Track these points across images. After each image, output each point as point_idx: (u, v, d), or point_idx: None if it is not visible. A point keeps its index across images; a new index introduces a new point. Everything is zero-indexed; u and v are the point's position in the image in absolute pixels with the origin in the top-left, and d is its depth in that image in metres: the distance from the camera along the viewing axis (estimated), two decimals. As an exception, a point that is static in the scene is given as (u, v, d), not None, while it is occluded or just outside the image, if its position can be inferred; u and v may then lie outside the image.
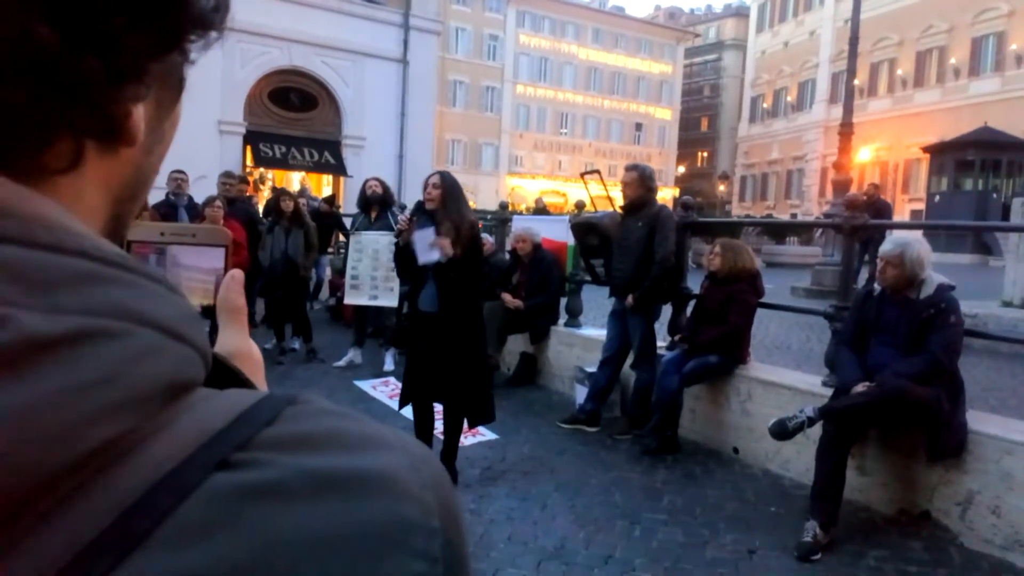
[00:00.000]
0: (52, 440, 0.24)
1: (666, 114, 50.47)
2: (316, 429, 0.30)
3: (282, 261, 6.69)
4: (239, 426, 0.29)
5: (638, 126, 49.47)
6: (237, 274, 0.47)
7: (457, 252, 3.60)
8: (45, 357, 0.25)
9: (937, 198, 22.29)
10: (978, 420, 3.40)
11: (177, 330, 0.30)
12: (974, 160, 21.95)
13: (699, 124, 54.38)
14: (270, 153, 13.74)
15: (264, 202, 8.99)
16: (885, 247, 3.35)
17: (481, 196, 39.26)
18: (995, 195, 20.49)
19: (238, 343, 0.46)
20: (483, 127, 43.63)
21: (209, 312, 0.47)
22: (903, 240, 3.36)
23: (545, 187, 42.62)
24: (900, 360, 3.27)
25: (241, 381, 0.39)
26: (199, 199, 6.68)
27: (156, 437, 0.27)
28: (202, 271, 0.48)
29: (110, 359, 0.27)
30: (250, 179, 13.13)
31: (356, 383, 6.03)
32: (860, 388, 3.28)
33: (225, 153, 12.80)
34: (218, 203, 6.01)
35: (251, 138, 13.62)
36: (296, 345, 7.03)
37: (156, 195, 7.03)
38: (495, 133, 44.36)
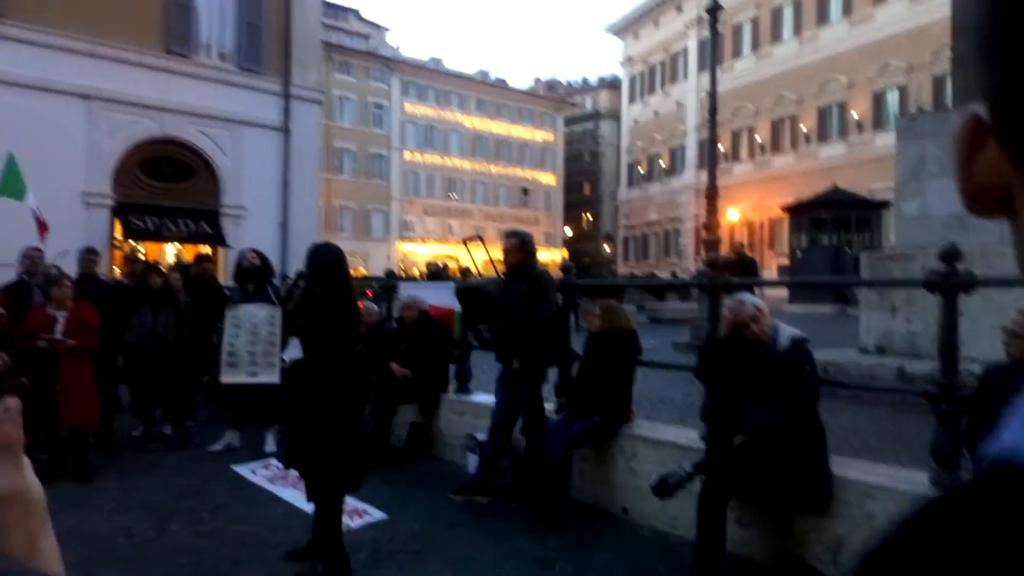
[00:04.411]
0: None
1: (551, 179, 52.38)
2: None
3: (150, 341, 6.28)
4: None
5: (525, 191, 50.99)
6: (12, 404, 0.43)
7: (296, 321, 3.88)
8: None
9: (799, 254, 24.05)
10: (841, 465, 3.60)
11: None
12: (827, 218, 23.96)
13: (582, 188, 56.70)
14: (142, 225, 13.06)
15: (123, 275, 8.49)
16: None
17: (372, 263, 38.84)
18: (847, 249, 22.35)
19: (9, 484, 0.42)
20: (372, 194, 43.57)
21: None
22: (735, 298, 3.64)
23: (437, 251, 42.80)
24: (764, 411, 3.44)
25: None
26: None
27: None
28: None
29: None
30: (119, 253, 12.44)
31: (234, 468, 5.67)
32: (735, 441, 3.43)
33: (92, 227, 12.04)
34: (66, 282, 5.58)
35: (121, 210, 12.91)
36: (167, 430, 6.56)
37: (6, 273, 6.50)
38: (384, 199, 44.39)
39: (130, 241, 13.35)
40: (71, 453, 5.32)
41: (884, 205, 24.10)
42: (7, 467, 0.42)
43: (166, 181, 13.57)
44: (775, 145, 35.92)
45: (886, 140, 29.80)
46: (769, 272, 29.29)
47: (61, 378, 5.25)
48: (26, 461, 0.44)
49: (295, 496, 4.64)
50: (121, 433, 6.53)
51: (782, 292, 21.33)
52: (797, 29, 34.71)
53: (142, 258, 12.16)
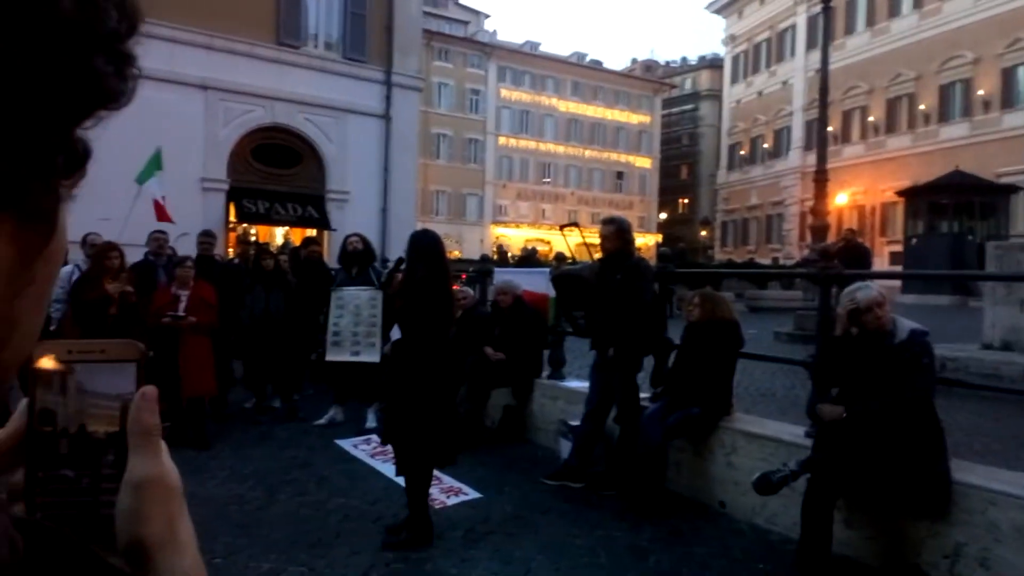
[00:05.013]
0: None
1: (646, 162, 51.35)
2: None
3: (262, 319, 6.63)
4: None
5: (619, 174, 50.25)
6: (149, 392, 0.44)
7: (397, 303, 4.05)
8: None
9: (914, 241, 22.59)
10: (962, 469, 3.38)
11: None
12: (948, 203, 22.35)
13: (679, 172, 55.33)
14: (253, 209, 13.75)
15: (235, 257, 9.03)
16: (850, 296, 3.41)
17: (466, 246, 39.44)
18: (970, 237, 20.81)
19: (148, 469, 0.43)
20: (467, 178, 44.13)
21: (116, 440, 0.44)
22: (851, 288, 3.45)
23: (529, 235, 42.98)
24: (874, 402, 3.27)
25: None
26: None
27: None
28: (109, 392, 0.46)
29: None
30: (233, 235, 13.16)
31: (337, 442, 5.92)
32: (831, 411, 3.29)
33: (208, 210, 12.79)
34: (189, 263, 5.97)
35: (234, 194, 13.64)
36: (277, 404, 6.92)
37: (136, 254, 7.00)
38: (479, 184, 44.86)
39: (243, 224, 14.08)
40: (191, 423, 5.71)
41: (1012, 190, 22.27)
42: (146, 453, 0.43)
43: (276, 167, 14.21)
44: (890, 126, 33.76)
45: (1016, 120, 27.47)
46: (880, 260, 27.70)
47: (182, 353, 5.63)
48: (164, 446, 0.45)
49: (394, 471, 4.80)
50: (234, 405, 6.94)
51: (893, 281, 20.13)
52: (917, 2, 32.36)
53: (254, 240, 12.83)
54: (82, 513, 0.42)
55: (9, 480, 0.43)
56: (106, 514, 0.42)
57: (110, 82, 0.36)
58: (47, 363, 0.44)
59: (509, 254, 25.70)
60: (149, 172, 8.95)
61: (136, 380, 0.45)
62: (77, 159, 0.36)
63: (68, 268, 6.15)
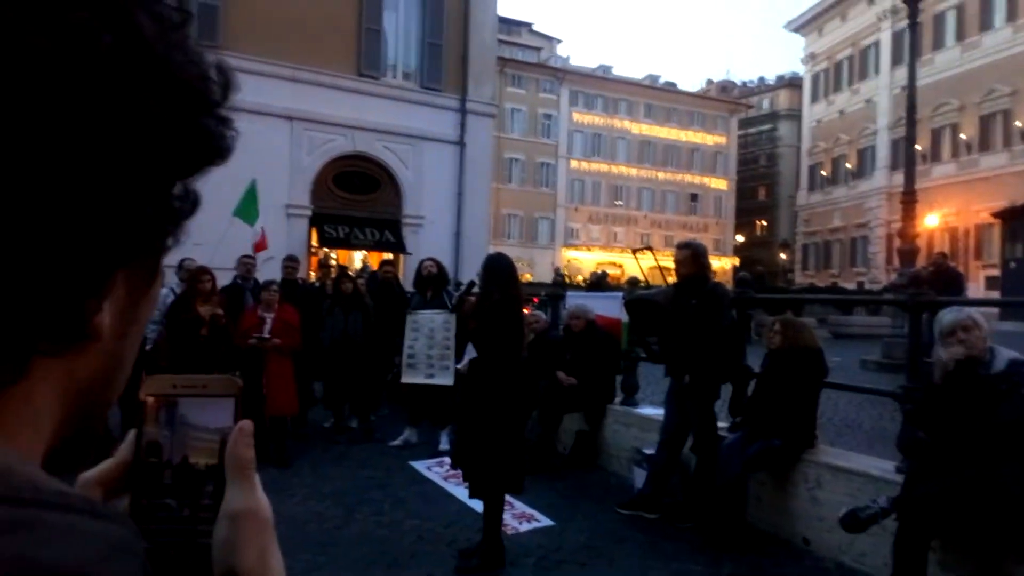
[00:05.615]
0: None
1: (722, 184, 50.43)
2: None
3: (341, 341, 6.82)
4: None
5: (693, 196, 49.51)
6: (246, 426, 0.47)
7: (471, 325, 4.16)
8: None
9: (1013, 265, 21.30)
10: (1072, 513, 3.13)
11: (82, 574, 0.30)
12: (1050, 225, 21.05)
13: (756, 193, 54.06)
14: (334, 234, 14.24)
15: (316, 280, 9.35)
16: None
17: (538, 269, 39.55)
18: (1076, 260, 19.49)
19: (243, 502, 0.45)
20: (539, 202, 44.40)
21: (215, 472, 0.46)
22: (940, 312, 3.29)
23: (601, 259, 42.76)
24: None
25: None
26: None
27: None
28: (209, 426, 0.48)
29: None
30: (315, 259, 13.63)
31: (411, 463, 6.00)
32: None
33: (292, 235, 13.31)
34: (274, 287, 6.21)
35: (316, 220, 14.16)
36: (354, 424, 7.08)
37: (225, 278, 7.33)
38: (550, 207, 45.05)
39: (324, 248, 14.58)
40: (273, 441, 5.90)
41: (1123, 209, 20.71)
42: (242, 486, 0.45)
43: (355, 193, 14.68)
44: (984, 143, 32.07)
45: None
46: (975, 285, 26.17)
47: (267, 373, 5.85)
48: (257, 479, 0.46)
49: (466, 494, 4.83)
50: (313, 424, 7.14)
51: (991, 308, 18.95)
52: (1011, 15, 30.78)
53: (334, 263, 13.24)
54: (182, 541, 0.44)
55: (116, 507, 0.45)
56: (203, 543, 0.44)
57: (218, 141, 0.40)
58: (155, 399, 0.47)
59: (579, 277, 25.32)
60: (253, 211, 9.48)
61: (234, 414, 0.48)
62: (190, 210, 0.41)
63: (164, 291, 6.49)
